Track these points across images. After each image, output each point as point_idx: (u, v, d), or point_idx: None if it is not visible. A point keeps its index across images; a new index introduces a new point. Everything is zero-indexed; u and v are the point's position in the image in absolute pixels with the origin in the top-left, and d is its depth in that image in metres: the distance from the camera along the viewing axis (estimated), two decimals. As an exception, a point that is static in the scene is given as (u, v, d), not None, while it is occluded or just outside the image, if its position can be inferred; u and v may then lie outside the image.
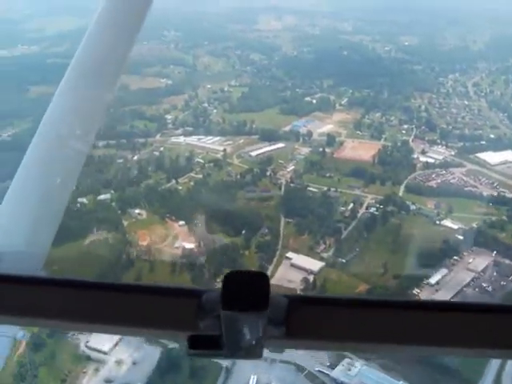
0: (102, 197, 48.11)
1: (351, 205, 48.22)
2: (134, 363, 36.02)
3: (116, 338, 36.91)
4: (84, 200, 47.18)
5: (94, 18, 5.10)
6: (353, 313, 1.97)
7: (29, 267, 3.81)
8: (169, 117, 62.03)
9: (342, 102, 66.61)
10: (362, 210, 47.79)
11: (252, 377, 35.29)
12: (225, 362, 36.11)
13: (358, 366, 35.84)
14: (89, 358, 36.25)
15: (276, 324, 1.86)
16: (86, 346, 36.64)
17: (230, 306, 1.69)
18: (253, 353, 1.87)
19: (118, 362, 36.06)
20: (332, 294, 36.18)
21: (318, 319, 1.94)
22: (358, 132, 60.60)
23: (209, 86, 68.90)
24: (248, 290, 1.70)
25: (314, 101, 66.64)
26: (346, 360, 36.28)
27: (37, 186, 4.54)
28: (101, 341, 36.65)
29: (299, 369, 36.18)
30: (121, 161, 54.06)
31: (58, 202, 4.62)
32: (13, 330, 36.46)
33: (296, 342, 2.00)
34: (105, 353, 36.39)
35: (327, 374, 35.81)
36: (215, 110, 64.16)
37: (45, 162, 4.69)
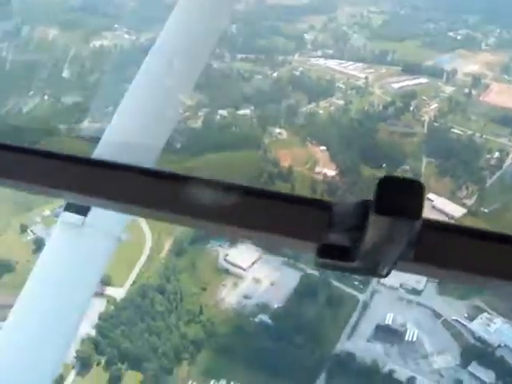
0: (241, 112, 47.43)
1: (497, 153, 45.76)
2: (272, 284, 36.17)
3: (255, 255, 37.10)
4: (224, 112, 46.80)
5: None
6: (487, 246, 1.73)
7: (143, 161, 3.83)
8: (307, 37, 59.90)
9: (489, 42, 62.48)
10: (508, 161, 45.28)
11: (388, 315, 34.92)
12: (363, 296, 35.89)
13: (498, 322, 34.75)
14: (227, 272, 36.67)
15: (407, 245, 1.66)
16: (225, 260, 37.02)
17: (383, 210, 1.48)
18: (380, 270, 1.71)
19: (256, 280, 36.31)
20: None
21: (449, 247, 1.74)
22: (505, 76, 56.86)
23: (347, 9, 65.82)
24: (402, 196, 1.52)
25: (459, 37, 62.78)
26: (485, 314, 35.27)
27: (156, 86, 5.15)
28: (240, 256, 36.93)
29: (436, 315, 35.52)
30: (259, 77, 52.89)
31: (174, 103, 5.29)
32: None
33: (422, 267, 1.77)
34: (243, 269, 36.65)
35: (464, 325, 34.97)
36: (355, 35, 61.38)
37: (163, 65, 5.22)
